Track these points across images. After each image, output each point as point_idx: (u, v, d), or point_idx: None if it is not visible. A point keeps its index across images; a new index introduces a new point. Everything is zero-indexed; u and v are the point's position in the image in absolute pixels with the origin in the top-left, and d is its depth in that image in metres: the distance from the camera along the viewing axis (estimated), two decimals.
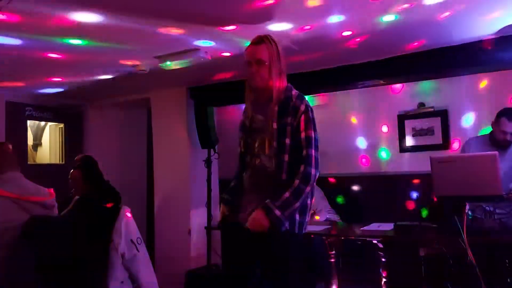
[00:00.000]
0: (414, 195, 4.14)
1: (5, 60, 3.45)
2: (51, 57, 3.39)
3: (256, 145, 2.04)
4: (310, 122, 2.00)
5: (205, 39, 3.13)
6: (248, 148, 2.09)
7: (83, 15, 2.63)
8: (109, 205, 2.97)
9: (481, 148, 3.20)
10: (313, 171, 1.95)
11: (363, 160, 4.72)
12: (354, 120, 4.80)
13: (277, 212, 1.89)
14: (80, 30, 2.84)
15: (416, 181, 4.28)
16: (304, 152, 1.96)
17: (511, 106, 3.72)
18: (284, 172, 1.96)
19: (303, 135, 1.97)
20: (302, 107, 1.99)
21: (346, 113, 4.85)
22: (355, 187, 4.71)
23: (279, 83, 2.01)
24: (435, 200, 3.37)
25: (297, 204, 1.92)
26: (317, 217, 4.20)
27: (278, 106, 1.99)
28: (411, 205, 4.24)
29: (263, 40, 2.01)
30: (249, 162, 2.08)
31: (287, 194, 1.91)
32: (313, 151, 1.97)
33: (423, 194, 4.15)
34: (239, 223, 2.04)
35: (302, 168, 1.94)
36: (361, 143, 4.74)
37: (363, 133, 4.74)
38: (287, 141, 1.97)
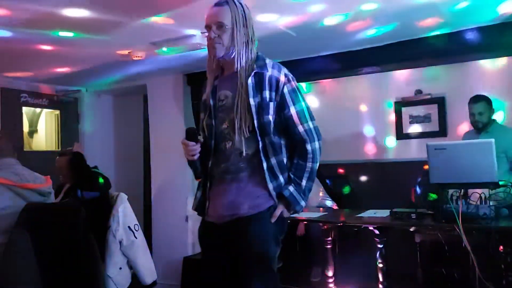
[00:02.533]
0: (411, 182, 4.15)
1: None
2: (44, 49, 3.40)
3: (225, 126, 1.72)
4: (297, 92, 1.73)
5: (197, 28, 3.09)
6: (212, 131, 1.74)
7: (71, 11, 2.66)
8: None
9: (469, 137, 3.52)
10: (317, 144, 1.75)
11: (360, 147, 4.73)
12: (350, 107, 4.79)
13: (303, 203, 1.75)
14: (70, 23, 2.88)
15: (413, 168, 4.30)
16: (301, 128, 1.72)
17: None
18: (270, 157, 1.69)
19: (293, 109, 1.71)
20: (282, 78, 1.70)
21: (342, 100, 4.85)
22: (352, 175, 4.73)
23: (247, 52, 1.70)
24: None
25: (311, 184, 1.77)
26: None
27: (252, 79, 1.68)
28: (408, 192, 4.26)
29: (227, 1, 1.69)
30: (216, 148, 1.75)
31: (297, 186, 1.72)
32: (310, 123, 1.74)
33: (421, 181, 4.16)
34: (212, 224, 1.77)
35: (308, 146, 1.72)
36: (358, 130, 4.74)
37: (359, 120, 4.74)
38: (271, 118, 1.69)
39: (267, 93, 1.69)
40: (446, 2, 2.82)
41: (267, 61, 1.75)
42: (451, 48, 3.48)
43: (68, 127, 5.20)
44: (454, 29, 3.36)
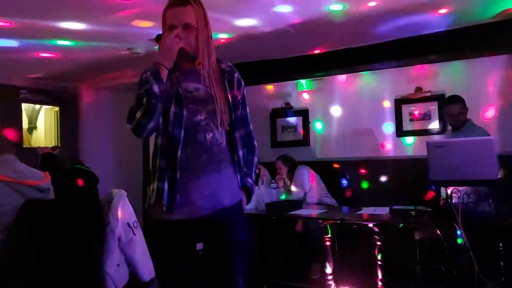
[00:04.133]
0: (410, 179, 4.15)
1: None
2: (45, 56, 3.55)
3: (202, 118, 1.71)
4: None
5: None
6: (182, 120, 1.69)
7: (68, 24, 2.90)
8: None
9: (449, 136, 3.56)
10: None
11: (358, 144, 4.73)
12: (350, 104, 4.79)
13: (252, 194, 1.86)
14: (68, 34, 3.13)
15: (413, 165, 4.30)
16: (251, 126, 1.90)
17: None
18: (239, 148, 1.80)
19: (246, 109, 1.88)
20: (243, 82, 1.86)
21: (338, 97, 4.85)
22: (353, 171, 4.73)
23: (208, 50, 1.75)
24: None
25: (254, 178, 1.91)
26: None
27: (226, 76, 1.79)
28: (407, 189, 4.26)
29: (189, 1, 1.71)
30: (190, 139, 1.70)
31: (252, 178, 1.86)
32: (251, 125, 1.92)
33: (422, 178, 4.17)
34: (181, 222, 1.69)
35: (255, 143, 1.90)
36: (357, 127, 4.74)
37: (360, 118, 4.74)
38: (239, 114, 1.82)
39: (235, 91, 1.81)
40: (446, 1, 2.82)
41: (230, 63, 1.86)
42: (452, 45, 3.48)
43: (68, 124, 5.20)
44: (456, 26, 3.35)
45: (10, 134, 4.09)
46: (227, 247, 1.72)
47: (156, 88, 1.60)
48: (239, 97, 1.83)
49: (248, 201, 1.85)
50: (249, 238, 1.83)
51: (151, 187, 1.72)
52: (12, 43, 3.35)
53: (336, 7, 2.88)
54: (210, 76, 1.75)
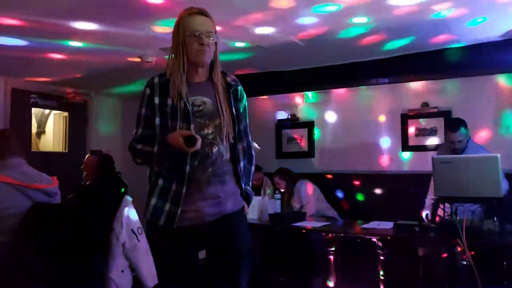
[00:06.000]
0: (415, 194, 4.14)
1: (12, 59, 3.60)
2: (55, 57, 3.52)
3: (209, 132, 1.76)
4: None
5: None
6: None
7: (81, 24, 2.85)
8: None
9: (443, 154, 3.38)
10: None
11: (364, 158, 4.73)
12: (357, 117, 4.80)
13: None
14: (80, 35, 3.07)
15: (418, 180, 4.28)
16: (248, 138, 1.94)
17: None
18: (241, 160, 1.87)
19: (246, 121, 1.93)
20: (244, 94, 1.93)
21: (344, 110, 4.86)
22: (354, 185, 4.72)
23: (220, 62, 1.83)
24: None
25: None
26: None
27: (232, 90, 1.83)
28: (410, 204, 4.25)
29: (207, 13, 1.78)
30: (196, 152, 1.71)
31: (249, 187, 1.94)
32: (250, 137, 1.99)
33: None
34: (186, 229, 1.76)
35: (252, 152, 1.96)
36: (363, 141, 4.75)
37: (365, 132, 4.74)
38: (242, 127, 1.89)
39: (239, 104, 1.88)
40: (458, 19, 2.84)
41: (233, 76, 1.91)
42: (461, 62, 3.49)
43: (76, 129, 5.24)
44: (466, 43, 3.37)
45: (19, 138, 4.13)
46: (232, 251, 1.79)
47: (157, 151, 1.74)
48: (241, 110, 1.89)
49: (248, 206, 1.95)
50: (251, 243, 1.87)
51: (151, 202, 1.84)
52: (22, 42, 3.29)
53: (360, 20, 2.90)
54: (218, 90, 1.79)
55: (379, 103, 4.68)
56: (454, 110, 4.25)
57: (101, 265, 2.61)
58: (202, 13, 1.77)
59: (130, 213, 3.06)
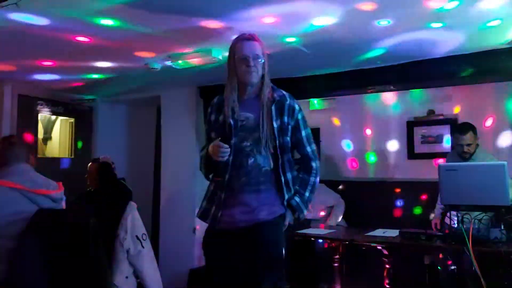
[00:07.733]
0: (420, 202, 4.12)
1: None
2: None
3: (248, 144, 2.00)
4: (305, 119, 2.12)
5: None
6: (231, 148, 1.97)
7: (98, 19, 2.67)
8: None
9: (452, 161, 3.39)
10: (318, 163, 2.13)
11: (368, 166, 4.71)
12: (361, 124, 4.79)
13: (305, 212, 2.07)
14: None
15: (423, 188, 4.26)
16: (309, 148, 2.09)
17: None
18: (286, 171, 2.02)
19: (304, 133, 2.08)
20: (297, 107, 2.08)
21: (349, 117, 4.86)
22: (361, 193, 4.70)
23: (267, 81, 2.04)
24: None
25: (312, 196, 2.10)
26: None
27: (275, 105, 2.01)
28: (415, 212, 4.23)
29: (255, 37, 2.03)
30: (234, 163, 1.99)
31: (303, 197, 2.05)
32: (313, 145, 2.12)
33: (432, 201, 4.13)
34: (225, 231, 2.00)
35: (313, 164, 2.09)
36: (367, 148, 4.73)
37: (370, 138, 4.73)
38: (289, 139, 2.03)
39: (286, 118, 2.02)
40: (463, 26, 2.83)
41: (284, 92, 2.09)
42: (465, 70, 3.47)
43: (82, 135, 5.27)
44: (469, 51, 3.36)
45: (26, 143, 4.16)
46: (257, 259, 1.93)
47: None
48: (292, 123, 2.04)
49: (295, 216, 2.06)
50: (281, 251, 1.96)
51: (203, 205, 2.10)
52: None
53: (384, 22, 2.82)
54: (263, 106, 2.00)
55: (385, 110, 4.67)
56: (460, 118, 4.24)
57: (105, 271, 2.61)
58: (249, 38, 2.02)
59: (135, 219, 3.07)
